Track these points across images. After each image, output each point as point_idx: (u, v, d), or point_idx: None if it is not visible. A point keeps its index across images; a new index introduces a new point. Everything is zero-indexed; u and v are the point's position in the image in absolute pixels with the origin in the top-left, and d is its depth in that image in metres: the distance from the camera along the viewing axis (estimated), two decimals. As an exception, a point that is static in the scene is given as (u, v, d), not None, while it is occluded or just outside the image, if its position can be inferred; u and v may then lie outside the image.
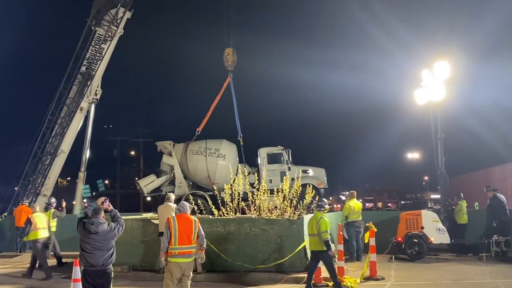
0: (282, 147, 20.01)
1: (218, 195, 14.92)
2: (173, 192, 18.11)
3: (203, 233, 8.37)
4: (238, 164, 18.92)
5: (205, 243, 8.47)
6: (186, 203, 8.64)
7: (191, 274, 8.32)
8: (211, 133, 22.06)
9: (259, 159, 20.01)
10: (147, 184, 20.11)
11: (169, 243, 8.04)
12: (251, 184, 15.60)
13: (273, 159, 19.51)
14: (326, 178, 19.92)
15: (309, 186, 13.67)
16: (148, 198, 20.74)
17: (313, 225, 9.95)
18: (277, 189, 13.50)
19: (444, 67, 15.33)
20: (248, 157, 20.58)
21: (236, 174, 15.13)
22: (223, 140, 20.67)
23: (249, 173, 13.84)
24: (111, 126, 55.16)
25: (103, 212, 7.21)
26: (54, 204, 15.08)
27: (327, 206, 10.63)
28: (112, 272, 7.06)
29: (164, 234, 8.17)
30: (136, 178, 22.13)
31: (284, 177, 14.46)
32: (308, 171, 19.48)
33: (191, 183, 20.52)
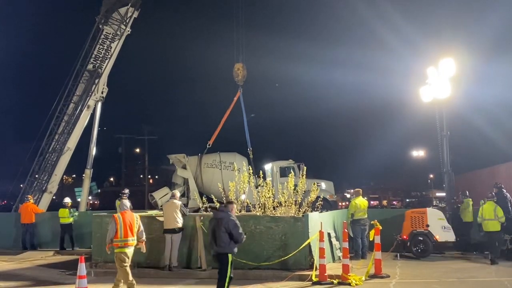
0: (294, 161, 20.25)
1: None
2: (186, 204, 18.15)
3: (142, 228, 9.70)
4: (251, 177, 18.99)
5: (144, 236, 9.73)
6: (126, 201, 10.21)
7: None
8: (215, 143, 22.34)
9: (271, 172, 20.18)
10: (162, 197, 20.15)
11: (115, 236, 9.21)
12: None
13: (285, 172, 19.63)
14: (334, 190, 20.44)
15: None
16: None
17: (491, 211, 13.10)
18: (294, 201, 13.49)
19: (450, 65, 15.27)
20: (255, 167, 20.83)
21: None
22: (235, 153, 21.02)
23: (262, 186, 13.86)
24: (115, 123, 55.33)
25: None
26: (128, 194, 15.17)
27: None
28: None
29: (110, 228, 9.32)
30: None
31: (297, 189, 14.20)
32: (320, 184, 19.63)
33: (204, 196, 20.65)
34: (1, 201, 25.55)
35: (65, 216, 16.73)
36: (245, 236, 8.54)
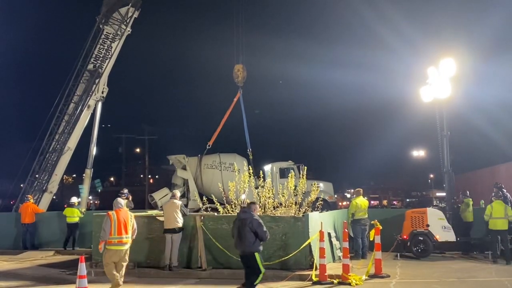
0: (293, 162, 20.31)
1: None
2: (186, 205, 18.18)
3: (136, 227, 9.90)
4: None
5: (134, 235, 9.89)
6: (120, 199, 10.18)
7: (127, 259, 9.75)
8: (215, 144, 22.39)
9: (271, 173, 20.24)
10: (162, 197, 20.17)
11: (110, 233, 9.34)
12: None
13: (285, 173, 19.66)
14: (333, 191, 20.49)
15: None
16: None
17: (502, 210, 13.44)
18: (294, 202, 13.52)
19: (450, 64, 15.23)
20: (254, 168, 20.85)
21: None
22: (235, 154, 21.07)
23: (262, 186, 13.87)
24: (115, 123, 55.33)
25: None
26: (127, 195, 15.20)
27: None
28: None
29: (104, 226, 9.44)
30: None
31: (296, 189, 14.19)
32: (318, 185, 19.66)
33: (205, 196, 20.69)
34: (8, 200, 25.47)
35: (74, 216, 16.76)
36: (269, 235, 8.86)
